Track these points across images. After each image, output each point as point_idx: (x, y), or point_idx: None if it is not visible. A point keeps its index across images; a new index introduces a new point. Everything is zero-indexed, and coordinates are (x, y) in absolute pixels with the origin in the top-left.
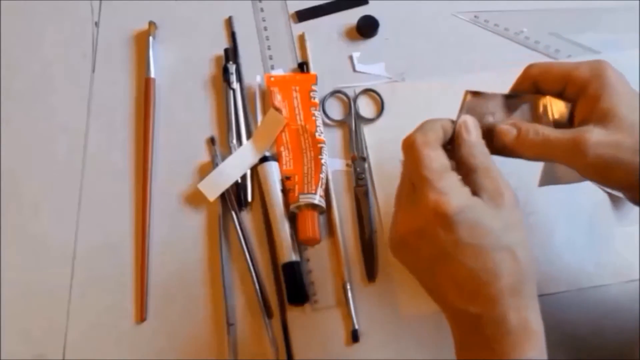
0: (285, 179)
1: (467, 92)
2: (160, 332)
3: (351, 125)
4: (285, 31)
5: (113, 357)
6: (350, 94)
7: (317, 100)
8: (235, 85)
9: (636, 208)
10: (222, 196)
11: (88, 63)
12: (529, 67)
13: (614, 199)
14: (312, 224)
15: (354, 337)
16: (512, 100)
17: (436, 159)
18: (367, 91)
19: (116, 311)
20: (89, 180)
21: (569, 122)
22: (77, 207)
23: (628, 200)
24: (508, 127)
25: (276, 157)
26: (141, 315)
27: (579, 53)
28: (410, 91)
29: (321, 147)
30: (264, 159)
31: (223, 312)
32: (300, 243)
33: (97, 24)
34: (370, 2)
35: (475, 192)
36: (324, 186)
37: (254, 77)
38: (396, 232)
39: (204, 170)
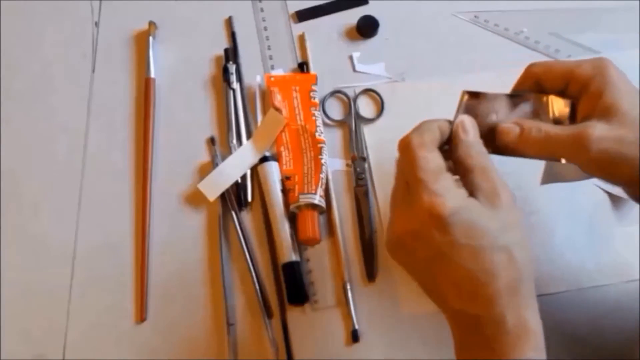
0: (285, 179)
1: (465, 92)
2: (161, 332)
3: (351, 125)
4: (285, 31)
5: (113, 357)
6: (350, 94)
7: (317, 100)
8: (235, 85)
9: (636, 208)
10: (222, 196)
11: (88, 63)
12: (531, 66)
13: (614, 199)
14: (312, 224)
15: (354, 337)
16: (511, 99)
17: (432, 161)
18: (367, 91)
19: (116, 311)
20: (89, 180)
21: (570, 120)
22: (77, 207)
23: (629, 197)
24: (510, 125)
25: (276, 157)
26: (141, 315)
27: (579, 53)
28: (410, 91)
29: (321, 147)
30: (264, 159)
31: (223, 312)
32: (300, 243)
33: (97, 24)
34: (370, 2)
35: (472, 193)
36: (324, 186)
37: (254, 77)
38: (393, 233)
39: (204, 170)
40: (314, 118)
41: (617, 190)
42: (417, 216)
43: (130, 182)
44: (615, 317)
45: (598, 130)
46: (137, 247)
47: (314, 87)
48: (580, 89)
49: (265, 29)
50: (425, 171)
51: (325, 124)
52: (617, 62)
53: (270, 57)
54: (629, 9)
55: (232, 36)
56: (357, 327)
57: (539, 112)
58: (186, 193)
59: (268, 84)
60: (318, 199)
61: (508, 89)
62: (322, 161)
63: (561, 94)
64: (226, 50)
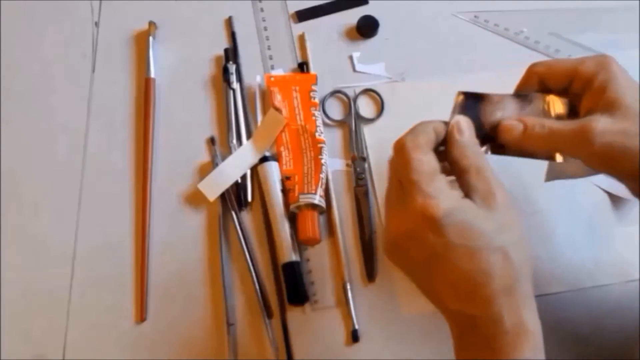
0: (285, 179)
1: (459, 93)
2: (160, 332)
3: (351, 125)
4: (285, 31)
5: (113, 357)
6: (350, 94)
7: (317, 100)
8: (235, 85)
9: (636, 208)
10: (222, 196)
11: (88, 63)
12: (533, 66)
13: (614, 199)
14: (312, 224)
15: (354, 337)
16: (509, 99)
17: (425, 162)
18: (367, 91)
19: (116, 311)
20: (89, 180)
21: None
22: (77, 207)
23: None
24: (513, 122)
25: (276, 157)
26: (141, 315)
27: (579, 53)
28: (410, 91)
29: (321, 147)
30: (264, 159)
31: (223, 312)
32: (300, 243)
33: (97, 24)
34: (370, 2)
35: (467, 194)
36: (324, 186)
37: (254, 77)
38: (388, 235)
39: (204, 170)
40: (314, 118)
41: (617, 190)
42: (411, 218)
43: (130, 182)
44: (615, 317)
45: (601, 124)
46: (137, 247)
47: (314, 87)
48: (584, 86)
49: (265, 29)
50: (418, 173)
51: (325, 124)
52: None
53: (270, 57)
54: (629, 9)
55: (232, 36)
56: (357, 327)
57: (538, 112)
58: (186, 193)
59: (268, 84)
60: (318, 199)
61: (508, 89)
62: (322, 161)
63: (564, 92)
64: (226, 50)
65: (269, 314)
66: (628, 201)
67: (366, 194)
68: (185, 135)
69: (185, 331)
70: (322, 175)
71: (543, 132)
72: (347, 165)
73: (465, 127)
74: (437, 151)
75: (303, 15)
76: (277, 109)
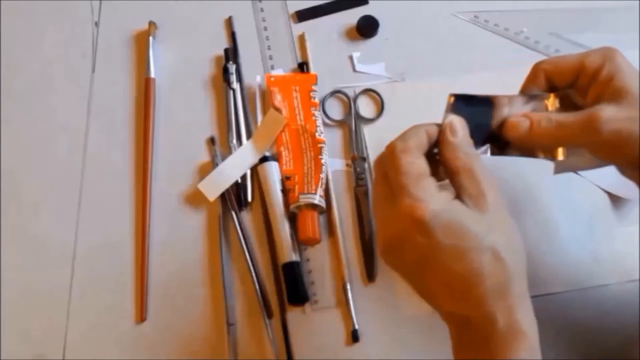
0: (285, 179)
1: (451, 95)
2: (160, 332)
3: (351, 125)
4: (285, 31)
5: (113, 357)
6: (350, 94)
7: (317, 100)
8: (235, 85)
9: (636, 208)
10: (222, 196)
11: (88, 63)
12: (538, 64)
13: (614, 199)
14: (312, 224)
15: (354, 337)
16: (508, 99)
17: (414, 165)
18: (367, 91)
19: (116, 311)
20: (89, 180)
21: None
22: (77, 207)
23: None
24: (519, 118)
25: (276, 157)
26: (141, 315)
27: None
28: (410, 91)
29: (321, 147)
30: (264, 159)
31: (223, 312)
32: (300, 243)
33: (97, 24)
34: (370, 2)
35: (458, 195)
36: (324, 186)
37: (254, 77)
38: (381, 238)
39: (204, 170)
40: (314, 118)
41: (617, 190)
42: (400, 221)
43: (130, 182)
44: (615, 317)
45: (608, 112)
46: (137, 247)
47: (314, 87)
48: (590, 80)
49: (265, 29)
50: (406, 175)
51: (325, 124)
52: None
53: (270, 57)
54: (629, 9)
55: (232, 36)
56: (357, 327)
57: (540, 110)
58: (186, 193)
59: (268, 84)
60: (318, 199)
61: (508, 89)
62: (322, 161)
63: (571, 87)
64: (226, 50)
65: (269, 314)
66: (628, 201)
67: (366, 194)
68: (185, 135)
69: (185, 331)
70: (322, 175)
71: (550, 125)
72: (347, 165)
73: (458, 127)
74: (432, 153)
75: (303, 15)
76: (277, 109)
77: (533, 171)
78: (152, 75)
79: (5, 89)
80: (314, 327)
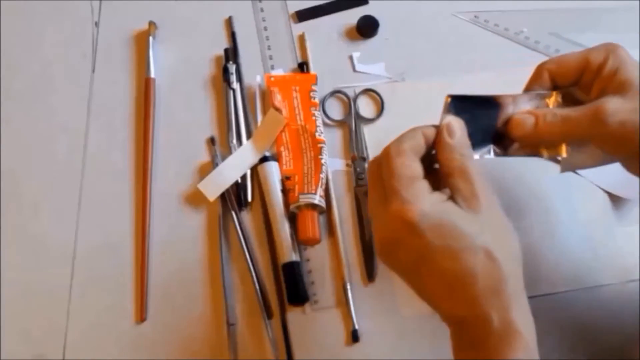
0: (285, 179)
1: (448, 96)
2: (160, 332)
3: (351, 125)
4: (285, 31)
5: (113, 357)
6: (350, 94)
7: (317, 100)
8: (235, 85)
9: (636, 208)
10: (222, 196)
11: (88, 63)
12: (542, 64)
13: (614, 199)
14: (312, 224)
15: (354, 337)
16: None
17: (407, 168)
18: (367, 91)
19: (116, 311)
20: (89, 180)
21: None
22: (77, 207)
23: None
24: (523, 115)
25: (276, 157)
26: (141, 315)
27: None
28: (410, 91)
29: (321, 147)
30: (264, 159)
31: (223, 312)
32: (300, 243)
33: (97, 24)
34: (370, 2)
35: (452, 196)
36: (324, 186)
37: (254, 77)
38: (377, 239)
39: (204, 170)
40: (314, 118)
41: (617, 190)
42: (393, 223)
43: (130, 182)
44: (615, 317)
45: (613, 104)
46: (137, 247)
47: (314, 87)
48: (595, 75)
49: (265, 29)
50: (398, 178)
51: (325, 124)
52: None
53: (270, 57)
54: (629, 9)
55: (232, 36)
56: (357, 327)
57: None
58: (186, 193)
59: (268, 84)
60: (318, 199)
61: (508, 89)
62: (322, 161)
63: (575, 85)
64: (226, 50)
65: (269, 314)
66: (628, 201)
67: (366, 194)
68: (185, 135)
69: (185, 331)
70: (322, 175)
71: (555, 120)
72: (347, 165)
73: (456, 128)
74: (428, 155)
75: (303, 15)
76: (277, 109)
77: (534, 171)
78: (152, 75)
79: (5, 89)
80: (314, 327)
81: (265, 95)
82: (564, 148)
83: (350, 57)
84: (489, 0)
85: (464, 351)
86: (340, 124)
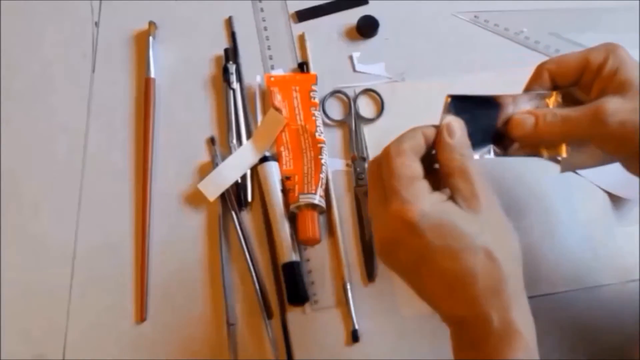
0: (285, 179)
1: (448, 96)
2: (160, 332)
3: (351, 125)
4: (285, 31)
5: (113, 357)
6: (350, 94)
7: (317, 100)
8: (235, 85)
9: (636, 208)
10: (222, 196)
11: (88, 63)
12: (543, 64)
13: (614, 199)
14: (312, 224)
15: (354, 337)
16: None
17: (407, 168)
18: (367, 91)
19: (116, 311)
20: (89, 180)
21: None
22: (77, 207)
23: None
24: (523, 115)
25: (276, 157)
26: (141, 315)
27: None
28: (410, 91)
29: (321, 147)
30: (264, 159)
31: (223, 312)
32: (300, 243)
33: (97, 24)
34: (370, 2)
35: (452, 196)
36: (324, 186)
37: (254, 77)
38: (377, 239)
39: (204, 170)
40: (314, 118)
41: (617, 190)
42: (392, 224)
43: (130, 182)
44: (615, 317)
45: (613, 104)
46: (137, 247)
47: (314, 87)
48: (595, 75)
49: (265, 29)
50: (398, 178)
51: (325, 124)
52: None
53: (270, 57)
54: (629, 9)
55: (232, 36)
56: (357, 327)
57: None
58: (186, 193)
59: (268, 84)
60: (318, 199)
61: (508, 89)
62: (322, 161)
63: (573, 86)
64: (226, 50)
65: (269, 314)
66: (628, 201)
67: (366, 194)
68: (185, 135)
69: (185, 331)
70: (322, 175)
71: (555, 120)
72: (347, 165)
73: (456, 128)
74: (429, 155)
75: (303, 15)
76: (277, 109)
77: (534, 171)
78: (152, 75)
79: (5, 89)
80: (314, 327)
81: (265, 95)
82: (564, 148)
83: (350, 57)
84: (489, 0)
85: (464, 351)
86: (340, 124)
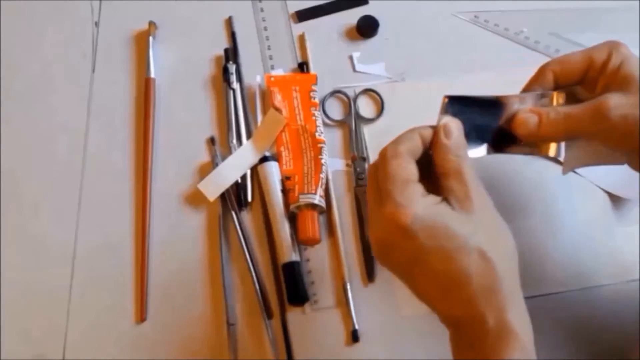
0: (285, 179)
1: (445, 96)
2: (160, 332)
3: (351, 125)
4: (285, 31)
5: (113, 357)
6: (350, 94)
7: (317, 100)
8: (235, 85)
9: (636, 208)
10: (222, 196)
11: (88, 63)
12: (546, 65)
13: (614, 199)
14: (312, 224)
15: (354, 337)
16: (511, 99)
17: (402, 170)
18: (367, 91)
19: (116, 311)
20: (89, 180)
21: None
22: (77, 207)
23: None
24: (527, 114)
25: (276, 157)
26: (141, 315)
27: None
28: (410, 91)
29: (321, 147)
30: (264, 159)
31: (223, 312)
32: (300, 243)
33: (97, 24)
34: (370, 2)
35: (445, 197)
36: (324, 186)
37: (254, 77)
38: (373, 241)
39: (204, 170)
40: (314, 118)
41: (617, 190)
42: (386, 226)
43: (130, 182)
44: (615, 317)
45: (615, 99)
46: (137, 247)
47: (314, 87)
48: (599, 73)
49: (265, 29)
50: (393, 181)
51: (325, 124)
52: None
53: (270, 57)
54: (629, 9)
55: (232, 36)
56: (357, 327)
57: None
58: (186, 193)
59: (268, 84)
60: (318, 199)
61: (508, 89)
62: (322, 161)
63: (577, 85)
64: (226, 50)
65: (269, 314)
66: (628, 201)
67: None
68: (185, 135)
69: (185, 331)
70: (322, 175)
71: (558, 117)
72: (347, 165)
73: (453, 128)
74: (427, 155)
75: (303, 15)
76: (277, 109)
77: (534, 172)
78: (152, 75)
79: (5, 89)
80: (314, 327)
81: (265, 95)
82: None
83: (350, 57)
84: (489, 0)
85: (463, 352)
86: (340, 124)
